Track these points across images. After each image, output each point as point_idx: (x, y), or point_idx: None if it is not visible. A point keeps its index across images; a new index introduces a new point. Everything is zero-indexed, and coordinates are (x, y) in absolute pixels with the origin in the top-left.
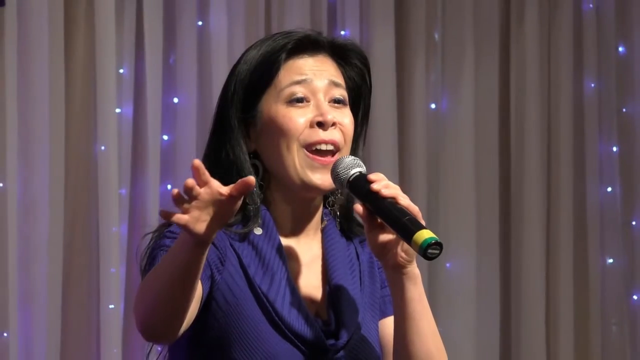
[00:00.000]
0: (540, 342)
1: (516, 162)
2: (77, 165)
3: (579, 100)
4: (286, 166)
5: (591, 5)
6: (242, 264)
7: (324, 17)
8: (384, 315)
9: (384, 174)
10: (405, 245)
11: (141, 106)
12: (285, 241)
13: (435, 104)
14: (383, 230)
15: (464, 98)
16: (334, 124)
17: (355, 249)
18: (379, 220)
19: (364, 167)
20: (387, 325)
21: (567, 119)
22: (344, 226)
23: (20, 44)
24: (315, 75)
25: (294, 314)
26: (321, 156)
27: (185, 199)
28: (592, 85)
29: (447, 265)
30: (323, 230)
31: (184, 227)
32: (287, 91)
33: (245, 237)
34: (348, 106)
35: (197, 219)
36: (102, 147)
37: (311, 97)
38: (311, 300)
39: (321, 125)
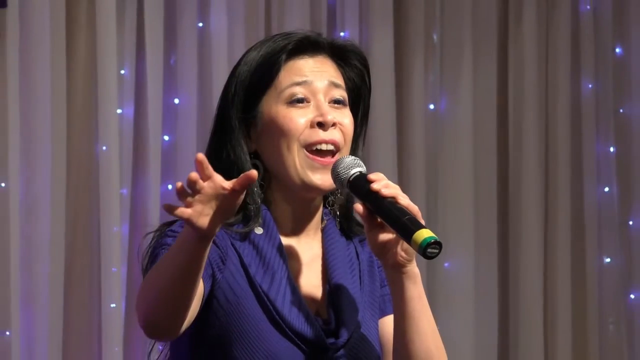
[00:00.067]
0: (538, 341)
1: (514, 162)
2: (79, 166)
3: (576, 100)
4: (286, 166)
5: (588, 7)
6: (243, 263)
7: (324, 18)
8: (384, 314)
9: (383, 174)
10: (405, 245)
11: (142, 107)
12: (285, 240)
13: (434, 105)
14: (383, 229)
15: (462, 98)
16: (334, 124)
17: (355, 248)
18: (378, 219)
19: (364, 167)
20: (387, 324)
21: (565, 120)
22: (344, 226)
23: (22, 45)
24: (316, 76)
25: (295, 313)
26: (321, 156)
27: (188, 192)
28: (590, 85)
29: (446, 264)
30: (323, 230)
31: (187, 221)
32: (288, 92)
33: (246, 237)
34: (348, 107)
35: (200, 213)
36: (104, 148)
37: (311, 98)
38: (311, 299)
39: (321, 125)
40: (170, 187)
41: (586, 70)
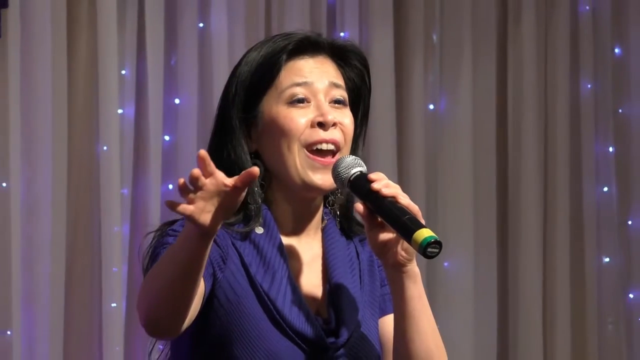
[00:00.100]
0: (538, 340)
1: (513, 162)
2: (80, 166)
3: (575, 100)
4: (287, 166)
5: (587, 7)
6: (243, 262)
7: (324, 19)
8: (384, 313)
9: (383, 174)
10: (405, 244)
11: (143, 107)
12: (286, 240)
13: (434, 105)
14: (383, 229)
15: (461, 98)
16: (334, 124)
17: (355, 247)
18: (379, 219)
19: (365, 167)
20: (387, 323)
21: (564, 120)
22: (344, 225)
23: (23, 45)
24: (316, 77)
25: (295, 312)
26: (322, 156)
27: (190, 189)
28: (589, 86)
29: (445, 264)
30: (323, 230)
31: (189, 218)
32: (288, 92)
33: (246, 236)
34: (348, 106)
35: (202, 210)
36: (104, 148)
37: (312, 98)
38: (312, 299)
39: (322, 125)
40: (170, 187)
41: (585, 70)
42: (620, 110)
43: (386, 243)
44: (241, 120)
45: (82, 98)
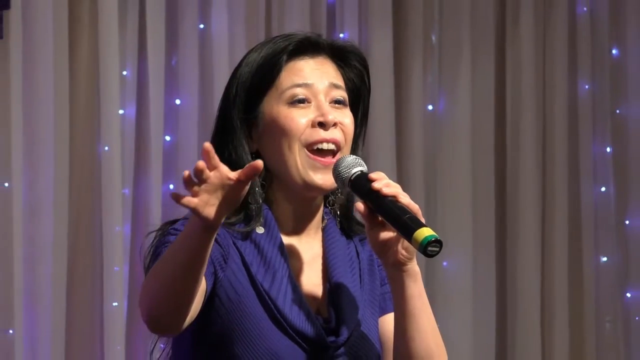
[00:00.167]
0: (536, 339)
1: (512, 162)
2: (81, 166)
3: (573, 101)
4: (288, 166)
5: (585, 9)
6: (244, 262)
7: (323, 20)
8: (384, 312)
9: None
10: (406, 243)
11: (144, 107)
12: (286, 240)
13: (433, 105)
14: (384, 228)
15: (460, 99)
16: (335, 124)
17: (356, 247)
18: (379, 218)
19: (365, 167)
20: (387, 322)
21: (562, 120)
22: (344, 225)
23: (25, 46)
24: (316, 77)
25: (295, 311)
26: (322, 156)
27: (195, 181)
28: (586, 87)
29: (444, 263)
30: (324, 229)
31: (193, 210)
32: (289, 93)
33: (247, 236)
34: (348, 107)
35: (206, 203)
36: (106, 148)
37: (312, 99)
38: (312, 298)
39: (322, 125)
40: (171, 186)
41: (583, 71)
42: (617, 111)
43: (387, 242)
44: (242, 121)
45: (83, 99)
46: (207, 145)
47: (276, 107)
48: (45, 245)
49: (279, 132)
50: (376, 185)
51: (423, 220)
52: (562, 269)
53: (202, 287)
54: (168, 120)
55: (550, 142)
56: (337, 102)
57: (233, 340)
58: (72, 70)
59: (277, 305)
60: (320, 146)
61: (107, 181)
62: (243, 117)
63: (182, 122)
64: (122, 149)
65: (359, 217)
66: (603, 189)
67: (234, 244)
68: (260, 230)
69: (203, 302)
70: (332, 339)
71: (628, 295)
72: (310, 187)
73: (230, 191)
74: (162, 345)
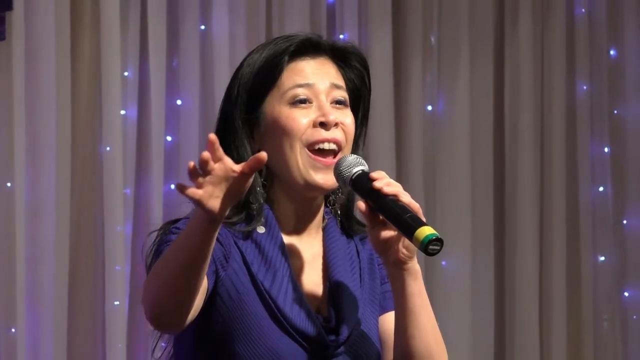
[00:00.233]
0: (534, 338)
1: (510, 162)
2: (83, 166)
3: (571, 102)
4: (289, 166)
5: (583, 10)
6: (245, 261)
7: (323, 21)
8: (384, 310)
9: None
10: (407, 242)
11: (145, 108)
12: (287, 239)
13: (432, 106)
14: (385, 227)
15: (459, 100)
16: (336, 124)
17: (356, 246)
18: (380, 217)
19: (367, 166)
20: (387, 320)
21: (560, 121)
22: (345, 224)
23: (27, 47)
24: (317, 78)
25: (296, 310)
26: (323, 156)
27: (199, 173)
28: (585, 87)
29: (443, 263)
30: (324, 229)
31: (198, 202)
32: (290, 93)
33: (248, 236)
34: (349, 107)
35: (211, 195)
36: (107, 148)
37: (313, 99)
38: (312, 297)
39: (324, 125)
40: (172, 186)
41: (581, 72)
42: (615, 112)
43: (388, 241)
44: (244, 121)
45: (85, 99)
46: (212, 136)
47: (278, 107)
48: (47, 244)
49: (281, 132)
50: (377, 184)
51: (424, 219)
52: (560, 268)
53: (204, 285)
54: (169, 120)
55: (549, 143)
56: (338, 102)
57: (234, 339)
58: (74, 71)
59: (278, 304)
60: (321, 146)
61: (108, 181)
62: (245, 117)
63: (183, 122)
64: (123, 149)
65: (359, 216)
66: (601, 189)
67: (235, 243)
68: (261, 229)
69: (204, 300)
70: (332, 337)
71: (625, 294)
72: (312, 187)
73: (234, 184)
74: (163, 344)
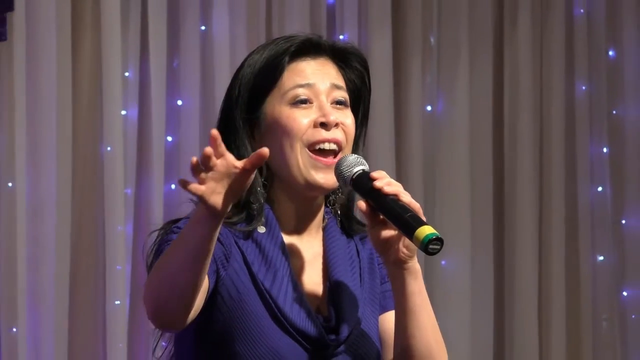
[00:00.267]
0: (533, 337)
1: (509, 162)
2: (84, 166)
3: (570, 102)
4: (290, 165)
5: (582, 10)
6: (246, 260)
7: (323, 21)
8: (384, 310)
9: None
10: (407, 241)
11: (146, 108)
12: (288, 239)
13: (431, 106)
14: (385, 226)
15: (458, 100)
16: (336, 125)
17: (356, 246)
18: (381, 216)
19: (367, 165)
20: (387, 319)
21: (559, 121)
22: (345, 224)
23: (29, 48)
24: (318, 78)
25: (296, 310)
26: (324, 156)
27: (202, 168)
28: (583, 88)
29: (443, 263)
30: (324, 229)
31: (200, 198)
32: (291, 93)
33: (249, 235)
34: (349, 107)
35: (213, 191)
36: (108, 148)
37: (314, 99)
38: (312, 297)
39: (324, 125)
40: (173, 186)
41: (580, 72)
42: (614, 112)
43: (388, 240)
44: (244, 121)
45: (86, 99)
46: (215, 132)
47: (278, 108)
48: (48, 244)
49: (281, 132)
50: (378, 184)
51: (424, 219)
52: (560, 268)
53: (205, 284)
54: (170, 121)
55: (548, 143)
56: (339, 102)
57: (234, 339)
58: (75, 72)
59: (278, 304)
60: (322, 146)
61: (109, 181)
62: (245, 117)
63: (184, 122)
64: (124, 149)
65: (359, 216)
66: (600, 189)
67: (236, 243)
68: (261, 229)
69: (205, 299)
70: (332, 337)
71: (624, 293)
72: (312, 187)
73: (236, 180)
74: (164, 344)
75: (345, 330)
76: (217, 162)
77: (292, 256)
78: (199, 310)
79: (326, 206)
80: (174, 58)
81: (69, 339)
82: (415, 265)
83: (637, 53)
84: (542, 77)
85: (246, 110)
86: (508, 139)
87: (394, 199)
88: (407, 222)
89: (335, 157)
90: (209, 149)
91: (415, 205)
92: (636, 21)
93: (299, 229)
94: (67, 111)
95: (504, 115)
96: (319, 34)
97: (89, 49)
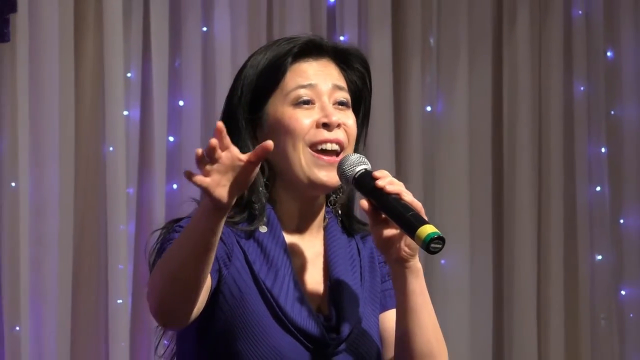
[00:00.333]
0: (532, 336)
1: (508, 162)
2: (86, 166)
3: (569, 103)
4: (292, 164)
5: (580, 11)
6: (247, 260)
7: (324, 23)
8: (385, 308)
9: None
10: (409, 240)
11: (148, 108)
12: (289, 238)
13: (431, 106)
14: (387, 225)
15: (458, 100)
16: (338, 125)
17: (357, 245)
18: (383, 215)
19: (369, 165)
20: (388, 318)
21: (558, 121)
22: (346, 224)
23: (32, 49)
24: (320, 79)
25: (297, 309)
26: (326, 155)
27: (207, 160)
28: (582, 88)
29: (442, 261)
30: (325, 228)
31: (205, 190)
32: (294, 94)
33: (251, 235)
34: (351, 108)
35: (218, 183)
36: (110, 148)
37: (316, 100)
38: (313, 296)
39: (326, 126)
40: (175, 186)
41: (578, 73)
42: (612, 112)
43: (390, 239)
44: (247, 121)
45: (88, 100)
46: (220, 124)
47: (281, 108)
48: (51, 243)
49: (284, 132)
50: (380, 183)
51: (426, 218)
52: (558, 267)
53: (208, 283)
54: (171, 121)
55: (546, 143)
56: (341, 103)
57: (236, 337)
58: (78, 72)
59: (279, 303)
60: (324, 146)
61: (111, 181)
62: (248, 117)
63: (185, 123)
64: (126, 149)
65: (360, 215)
66: (598, 188)
67: (238, 242)
68: (263, 229)
69: (207, 298)
70: (333, 336)
71: (622, 292)
72: (315, 185)
73: (240, 173)
74: (166, 342)
75: (345, 329)
76: (222, 155)
77: (294, 255)
78: (201, 309)
79: (327, 206)
80: (175, 59)
81: (71, 337)
82: (416, 264)
83: (635, 54)
84: (541, 77)
85: (249, 111)
86: (507, 138)
87: (396, 198)
88: (409, 221)
89: (337, 156)
90: (214, 140)
91: (417, 205)
92: (634, 22)
93: (301, 228)
94: (69, 111)
95: (503, 115)
96: (319, 34)
97: (92, 50)
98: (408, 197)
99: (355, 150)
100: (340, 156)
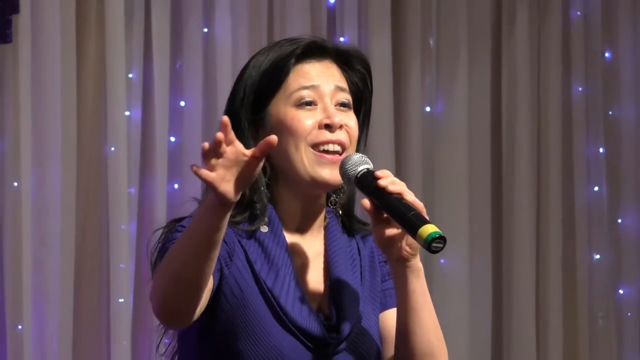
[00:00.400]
0: (531, 335)
1: (507, 162)
2: (88, 166)
3: (567, 103)
4: (295, 164)
5: (579, 12)
6: (248, 259)
7: (324, 23)
8: (385, 308)
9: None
10: (410, 239)
11: (149, 109)
12: (290, 238)
13: (430, 107)
14: (389, 224)
15: (457, 101)
16: (340, 126)
17: (357, 244)
18: (385, 215)
19: (371, 164)
20: (388, 317)
21: (556, 122)
22: (346, 223)
23: (34, 50)
24: (322, 80)
25: (297, 309)
26: (328, 154)
27: (212, 154)
28: (580, 89)
29: (441, 261)
30: (326, 228)
31: (210, 184)
32: (296, 95)
33: (252, 235)
34: (352, 109)
35: (223, 178)
36: (112, 148)
37: (318, 101)
38: (314, 295)
39: (329, 127)
40: (176, 186)
41: (577, 74)
42: (610, 113)
43: (391, 238)
44: (249, 122)
45: (90, 101)
46: (225, 118)
47: (283, 109)
48: (53, 243)
49: (286, 133)
50: (382, 182)
51: (427, 218)
52: (557, 266)
53: (210, 282)
54: (173, 121)
55: (545, 143)
56: (342, 104)
57: (237, 337)
58: (80, 73)
59: (280, 302)
60: (326, 147)
61: (113, 181)
62: (250, 118)
63: (187, 123)
64: (128, 149)
65: (360, 215)
66: (596, 188)
67: (239, 242)
68: (264, 229)
69: (210, 297)
70: (333, 335)
71: (620, 291)
72: (318, 183)
73: (245, 168)
74: (167, 341)
75: (346, 329)
76: (227, 149)
77: (294, 255)
78: (203, 308)
79: (327, 206)
80: (176, 59)
81: (73, 336)
82: (417, 263)
83: (633, 55)
84: (540, 78)
85: (251, 111)
86: (506, 139)
87: (398, 198)
88: (410, 221)
89: (340, 155)
90: (220, 134)
91: (419, 204)
92: (632, 23)
93: (302, 228)
94: (71, 112)
95: (502, 115)
96: (319, 35)
97: (93, 51)
98: (410, 196)
99: (356, 151)
100: (343, 156)
